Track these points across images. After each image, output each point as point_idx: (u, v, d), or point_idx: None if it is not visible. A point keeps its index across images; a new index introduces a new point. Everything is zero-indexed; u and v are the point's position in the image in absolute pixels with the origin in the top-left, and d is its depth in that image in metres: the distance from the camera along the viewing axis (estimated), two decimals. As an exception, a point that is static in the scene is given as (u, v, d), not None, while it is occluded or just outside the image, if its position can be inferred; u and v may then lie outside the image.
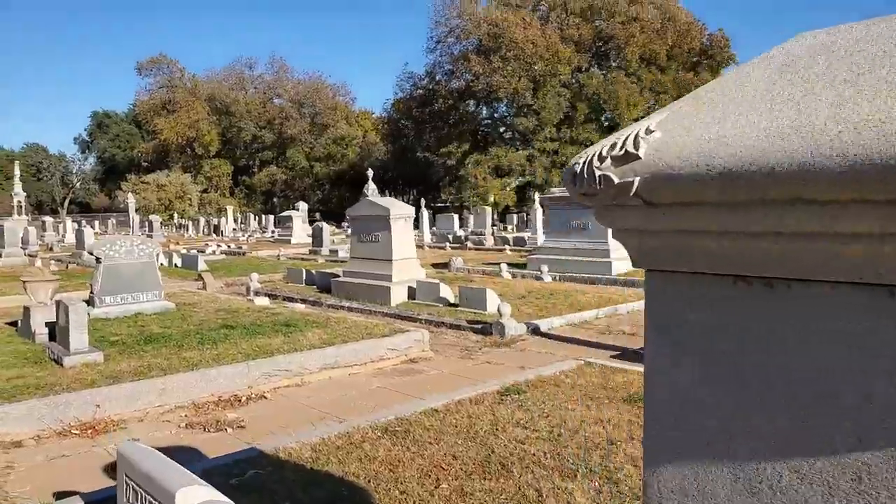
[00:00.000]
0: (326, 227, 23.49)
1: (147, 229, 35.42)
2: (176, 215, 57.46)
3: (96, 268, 9.02)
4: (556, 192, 15.44)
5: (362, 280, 11.55)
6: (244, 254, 24.69)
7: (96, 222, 55.21)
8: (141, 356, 6.65)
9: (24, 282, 7.42)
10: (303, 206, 40.66)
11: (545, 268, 13.66)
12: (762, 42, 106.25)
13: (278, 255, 23.37)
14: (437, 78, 46.01)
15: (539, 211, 23.29)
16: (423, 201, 32.89)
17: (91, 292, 8.97)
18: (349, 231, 13.22)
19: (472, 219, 30.50)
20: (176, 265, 19.05)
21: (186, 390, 6.03)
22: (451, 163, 43.76)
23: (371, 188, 34.43)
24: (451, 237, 28.11)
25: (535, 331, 8.85)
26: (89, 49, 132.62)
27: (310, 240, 31.45)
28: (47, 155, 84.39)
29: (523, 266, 15.77)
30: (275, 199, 72.99)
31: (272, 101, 69.65)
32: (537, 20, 40.89)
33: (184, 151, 65.86)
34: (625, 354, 7.54)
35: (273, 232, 40.72)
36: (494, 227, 40.06)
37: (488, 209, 26.09)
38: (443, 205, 52.32)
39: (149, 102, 64.22)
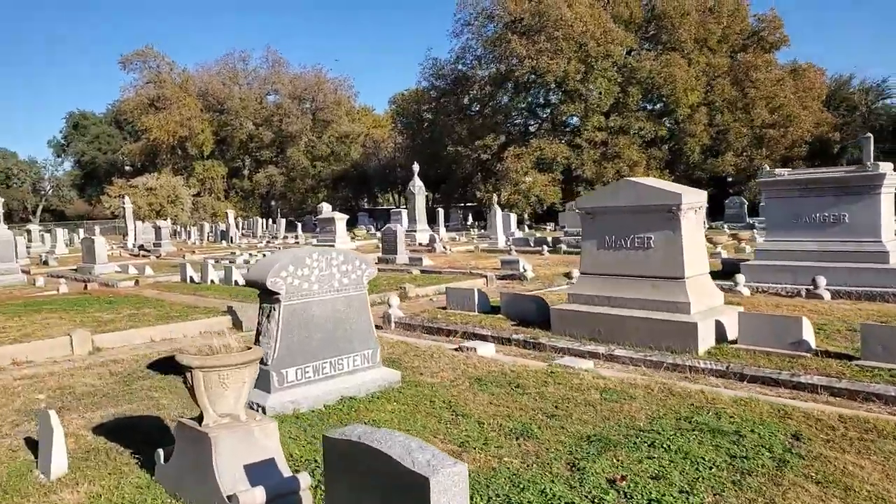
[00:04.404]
0: (401, 230, 19.12)
1: (154, 237, 30.65)
2: (169, 221, 52.35)
3: (267, 315, 4.68)
4: (785, 173, 11.34)
5: (619, 310, 7.32)
6: (293, 264, 20.23)
7: (81, 230, 50.16)
8: None
9: (188, 369, 3.11)
10: (327, 207, 36.19)
11: (822, 280, 9.53)
12: (813, 22, 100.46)
13: (338, 266, 19.00)
14: (469, 62, 41.61)
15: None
16: (497, 199, 28.73)
17: (262, 362, 4.65)
18: (580, 232, 9.22)
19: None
20: (237, 282, 14.59)
21: None
22: (486, 157, 39.45)
23: (418, 184, 30.26)
24: (506, 240, 24.65)
25: None
26: (60, 46, 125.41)
27: (354, 245, 27.26)
28: (17, 161, 78.46)
29: (726, 275, 11.61)
30: (272, 203, 68.14)
31: (268, 97, 64.86)
32: (583, -5, 36.84)
33: (174, 152, 60.72)
34: None
35: (296, 237, 36.22)
36: (546, 228, 36.04)
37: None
38: (470, 204, 48.08)
39: (135, 100, 58.87)
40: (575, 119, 39.71)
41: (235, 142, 61.99)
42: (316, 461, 3.63)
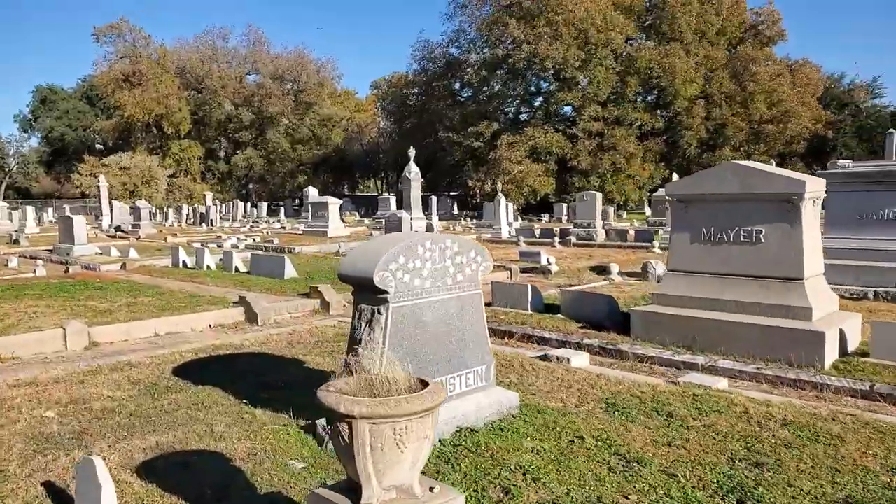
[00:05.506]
0: (406, 217, 18.00)
1: (132, 218, 29.01)
2: (146, 202, 50.21)
3: (368, 320, 3.55)
4: (848, 165, 10.49)
5: (722, 315, 6.32)
6: (288, 250, 18.97)
7: (49, 209, 47.96)
8: None
9: (345, 419, 1.99)
10: (314, 191, 34.84)
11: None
12: (812, 19, 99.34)
13: (338, 253, 17.82)
14: (463, 46, 40.32)
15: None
16: (500, 188, 27.79)
17: (360, 381, 3.52)
18: (669, 224, 8.32)
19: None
20: (237, 269, 13.32)
21: None
22: (478, 144, 38.31)
23: (414, 170, 28.99)
24: (515, 231, 24.03)
25: None
26: (29, 16, 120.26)
27: (347, 231, 26.01)
28: (-21, 135, 75.13)
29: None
30: (250, 186, 66.14)
31: (248, 77, 62.75)
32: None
33: (149, 131, 58.40)
34: None
35: (279, 221, 34.85)
36: (542, 218, 35.00)
37: (598, 195, 20.89)
38: (454, 193, 46.83)
39: (109, 74, 56.27)
40: (568, 108, 38.77)
41: (213, 122, 59.86)
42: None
